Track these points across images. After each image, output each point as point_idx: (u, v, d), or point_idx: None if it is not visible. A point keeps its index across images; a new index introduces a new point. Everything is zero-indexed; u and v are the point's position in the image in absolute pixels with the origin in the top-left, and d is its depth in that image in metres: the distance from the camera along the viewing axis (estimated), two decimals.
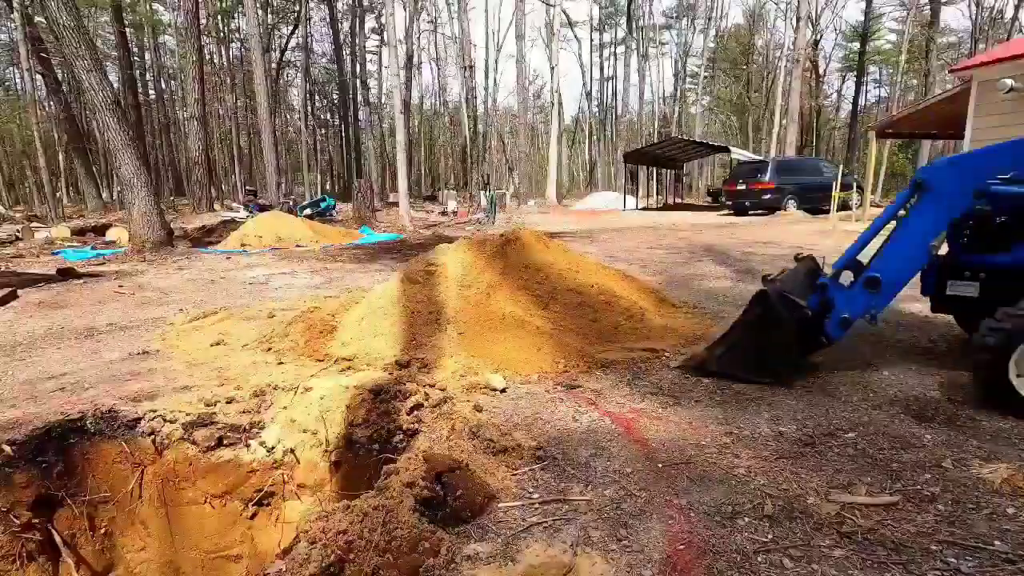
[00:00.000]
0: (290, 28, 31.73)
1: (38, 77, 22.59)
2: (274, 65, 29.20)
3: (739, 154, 22.74)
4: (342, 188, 34.05)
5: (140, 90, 25.89)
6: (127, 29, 22.67)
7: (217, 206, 20.21)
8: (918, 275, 2.74)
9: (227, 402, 2.64)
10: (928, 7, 30.47)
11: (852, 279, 2.70)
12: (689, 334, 3.67)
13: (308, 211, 15.74)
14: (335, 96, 36.15)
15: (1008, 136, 2.89)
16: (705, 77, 39.58)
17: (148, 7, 26.01)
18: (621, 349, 3.35)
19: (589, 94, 42.69)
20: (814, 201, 16.81)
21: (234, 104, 30.97)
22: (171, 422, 2.52)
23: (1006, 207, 2.57)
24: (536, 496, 1.84)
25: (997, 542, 1.50)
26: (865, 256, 2.73)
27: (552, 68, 25.83)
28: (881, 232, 2.72)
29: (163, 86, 34.12)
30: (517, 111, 28.96)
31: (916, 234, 2.58)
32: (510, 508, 1.77)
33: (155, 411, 2.56)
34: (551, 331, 3.45)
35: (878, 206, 18.01)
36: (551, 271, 4.00)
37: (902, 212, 2.66)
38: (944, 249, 2.85)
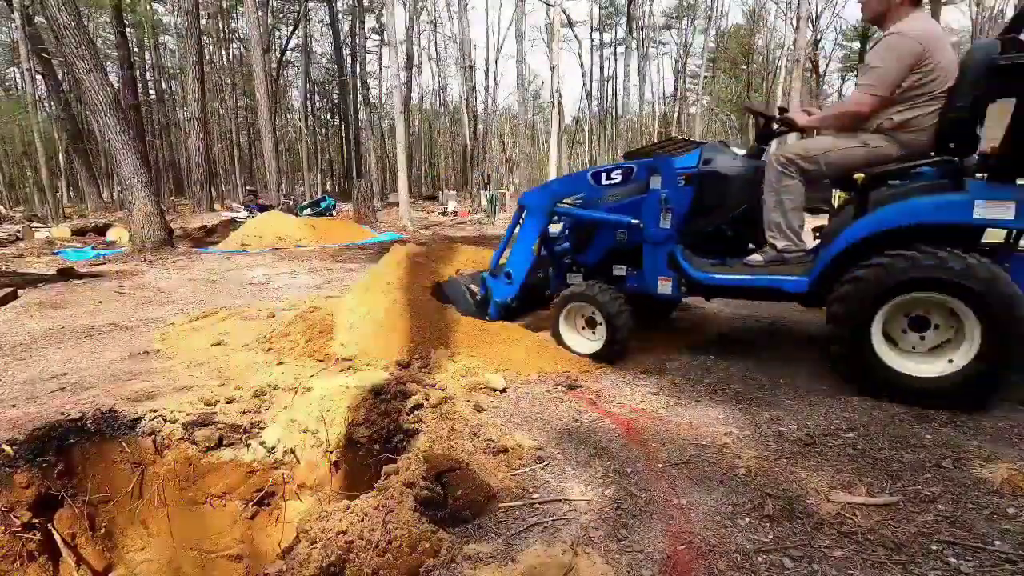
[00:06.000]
0: (290, 28, 31.73)
1: (38, 77, 22.60)
2: (274, 65, 29.19)
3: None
4: (342, 188, 34.03)
5: (140, 90, 25.84)
6: (127, 29, 22.63)
7: (217, 206, 20.21)
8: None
9: (227, 402, 2.65)
10: (928, 7, 30.48)
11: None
12: (691, 336, 3.67)
13: (308, 211, 15.74)
14: (335, 96, 36.14)
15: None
16: (705, 77, 39.57)
17: (148, 7, 26.01)
18: None
19: (589, 94, 42.65)
20: (815, 200, 16.81)
21: (234, 104, 30.96)
22: (171, 422, 2.52)
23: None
24: (536, 496, 1.84)
25: (997, 542, 1.50)
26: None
27: (552, 68, 25.82)
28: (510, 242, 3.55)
29: (163, 86, 34.11)
30: (517, 111, 28.97)
31: (525, 241, 3.45)
32: (510, 508, 1.77)
33: (155, 411, 2.56)
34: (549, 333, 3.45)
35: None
36: None
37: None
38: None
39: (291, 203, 16.79)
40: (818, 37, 33.95)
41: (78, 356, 3.58)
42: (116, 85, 15.03)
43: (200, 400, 2.65)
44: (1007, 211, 2.21)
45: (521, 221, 3.53)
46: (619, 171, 3.23)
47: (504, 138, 39.08)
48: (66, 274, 6.93)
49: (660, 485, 1.87)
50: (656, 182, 3.06)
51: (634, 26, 36.68)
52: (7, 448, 2.27)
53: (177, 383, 2.95)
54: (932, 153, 2.53)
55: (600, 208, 3.31)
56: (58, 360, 3.51)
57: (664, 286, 3.09)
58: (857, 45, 34.38)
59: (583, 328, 3.29)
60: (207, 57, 25.64)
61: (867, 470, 1.91)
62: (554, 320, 3.32)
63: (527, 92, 32.28)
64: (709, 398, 2.62)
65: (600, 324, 3.15)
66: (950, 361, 2.32)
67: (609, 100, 41.92)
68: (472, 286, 3.70)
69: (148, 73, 33.23)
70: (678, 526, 1.64)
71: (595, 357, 3.16)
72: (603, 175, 3.28)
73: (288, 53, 32.65)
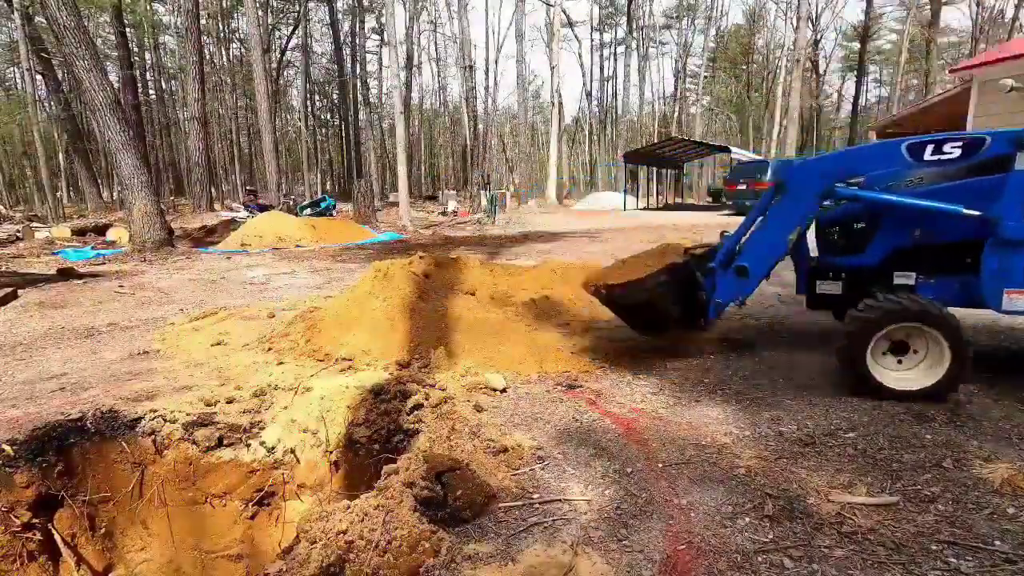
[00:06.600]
0: (290, 28, 31.73)
1: (38, 77, 22.60)
2: (274, 65, 29.19)
3: (739, 154, 22.76)
4: (342, 188, 34.03)
5: (140, 90, 25.84)
6: (127, 29, 22.64)
7: (217, 206, 20.22)
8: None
9: (227, 402, 2.65)
10: (928, 7, 30.45)
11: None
12: (691, 336, 3.67)
13: (308, 211, 15.73)
14: (335, 96, 36.16)
15: None
16: (705, 77, 39.60)
17: (148, 7, 26.00)
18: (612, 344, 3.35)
19: (589, 94, 42.66)
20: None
21: (234, 104, 30.95)
22: (171, 422, 2.52)
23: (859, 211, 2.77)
24: (536, 496, 1.84)
25: (997, 542, 1.50)
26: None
27: (552, 68, 25.82)
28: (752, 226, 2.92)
29: (163, 86, 34.11)
30: (517, 111, 29.00)
31: (776, 228, 2.76)
32: (510, 508, 1.77)
33: (155, 411, 2.57)
34: (549, 333, 3.45)
35: None
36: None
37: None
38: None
39: (291, 203, 16.78)
40: (818, 37, 33.97)
41: (78, 356, 3.58)
42: (116, 85, 15.03)
43: (200, 400, 2.65)
44: None
45: (774, 203, 2.78)
46: (958, 143, 2.40)
47: (504, 138, 39.07)
48: (66, 274, 6.93)
49: (660, 485, 1.87)
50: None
51: (634, 26, 36.68)
52: (7, 448, 2.27)
53: (177, 383, 2.95)
54: None
55: (897, 194, 2.58)
56: (58, 360, 3.50)
57: (1015, 301, 2.37)
58: (857, 45, 34.37)
59: (886, 355, 2.52)
60: (207, 57, 25.64)
61: (867, 470, 1.91)
62: (859, 345, 2.45)
63: (527, 92, 32.27)
64: (709, 398, 2.62)
65: (921, 351, 2.45)
66: None
67: (609, 100, 41.92)
68: (699, 274, 2.97)
69: (148, 73, 33.24)
70: (678, 526, 1.64)
71: (921, 396, 2.40)
72: (929, 147, 2.43)
73: (288, 53, 32.65)
